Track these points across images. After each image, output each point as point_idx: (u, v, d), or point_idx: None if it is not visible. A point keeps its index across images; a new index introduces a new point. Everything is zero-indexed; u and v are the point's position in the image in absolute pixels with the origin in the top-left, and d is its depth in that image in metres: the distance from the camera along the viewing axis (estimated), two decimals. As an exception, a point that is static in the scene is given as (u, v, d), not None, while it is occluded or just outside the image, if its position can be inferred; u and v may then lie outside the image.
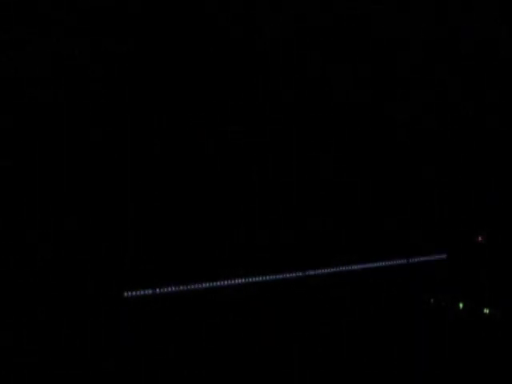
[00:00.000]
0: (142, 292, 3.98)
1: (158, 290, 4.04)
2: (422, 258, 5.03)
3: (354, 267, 4.77)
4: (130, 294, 3.94)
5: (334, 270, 4.72)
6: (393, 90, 4.80)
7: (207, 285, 3.97)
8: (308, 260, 4.61)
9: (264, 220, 4.13)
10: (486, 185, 5.11)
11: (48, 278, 3.62)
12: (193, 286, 3.95)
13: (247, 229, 4.04)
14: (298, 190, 4.49)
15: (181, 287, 3.98)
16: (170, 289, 4.07)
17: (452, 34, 4.90)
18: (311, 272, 4.63)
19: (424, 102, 4.97)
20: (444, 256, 4.79)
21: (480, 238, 4.52)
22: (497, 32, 4.94)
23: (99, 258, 3.82)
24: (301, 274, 4.55)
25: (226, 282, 3.99)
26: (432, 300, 4.38)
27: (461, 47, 4.94)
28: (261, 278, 4.40)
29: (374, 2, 4.58)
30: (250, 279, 4.35)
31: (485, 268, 4.51)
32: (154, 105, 3.92)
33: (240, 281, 4.23)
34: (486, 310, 4.19)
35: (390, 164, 4.85)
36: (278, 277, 4.44)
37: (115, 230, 3.90)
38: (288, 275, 4.51)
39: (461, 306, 4.27)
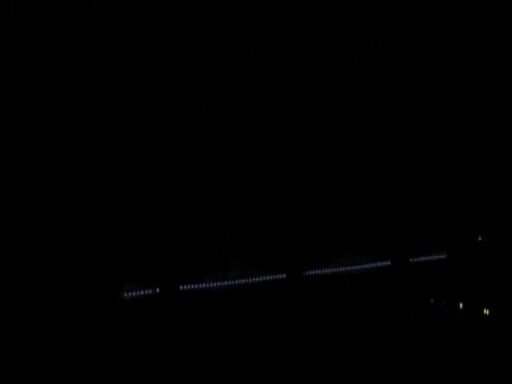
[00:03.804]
0: (142, 292, 3.99)
1: (158, 289, 4.05)
2: (422, 258, 5.03)
3: (354, 267, 4.78)
4: (129, 293, 3.95)
5: (334, 269, 4.72)
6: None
7: (207, 285, 3.98)
8: (308, 260, 4.61)
9: (264, 219, 4.13)
10: (486, 185, 5.11)
11: (48, 278, 3.63)
12: (193, 286, 3.95)
13: (247, 229, 4.04)
14: (297, 190, 4.50)
15: (181, 287, 4.00)
16: (170, 289, 4.08)
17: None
18: (311, 272, 4.64)
19: (425, 102, 4.97)
20: (444, 256, 4.79)
21: (480, 238, 4.52)
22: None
23: (99, 258, 3.83)
24: (301, 273, 4.56)
25: (226, 282, 4.00)
26: (432, 300, 4.38)
27: None
28: (261, 278, 4.41)
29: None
30: (250, 279, 4.36)
31: (485, 268, 4.51)
32: (155, 105, 3.94)
33: (240, 281, 4.23)
34: (486, 310, 4.19)
35: (391, 164, 4.85)
36: (277, 277, 4.45)
37: (115, 230, 3.91)
38: (287, 275, 4.52)
39: (461, 306, 4.27)
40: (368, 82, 4.70)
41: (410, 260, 4.95)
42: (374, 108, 4.78)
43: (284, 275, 4.47)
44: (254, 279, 4.36)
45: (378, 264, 4.87)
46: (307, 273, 4.60)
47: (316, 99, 4.50)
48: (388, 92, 4.81)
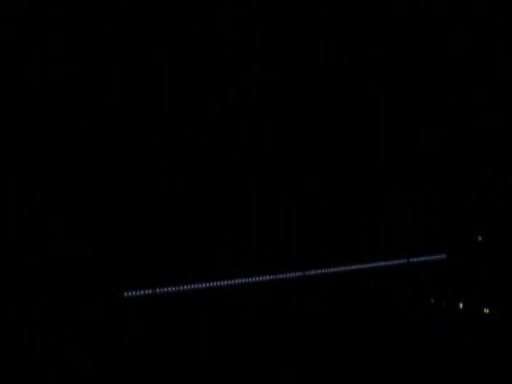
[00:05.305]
0: (142, 292, 3.98)
1: (157, 289, 4.04)
2: (422, 258, 5.03)
3: (354, 267, 4.77)
4: (130, 294, 3.94)
5: (334, 269, 4.71)
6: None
7: (207, 285, 3.97)
8: (308, 260, 4.61)
9: (264, 219, 4.12)
10: (485, 184, 5.11)
11: (48, 278, 3.62)
12: (193, 286, 3.94)
13: (247, 228, 4.03)
14: (297, 189, 4.49)
15: (181, 287, 3.98)
16: (170, 289, 4.07)
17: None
18: (311, 272, 4.63)
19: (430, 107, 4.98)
20: (444, 256, 4.79)
21: (480, 238, 4.52)
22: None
23: (99, 258, 3.81)
24: (301, 273, 4.55)
25: (226, 282, 3.99)
26: (432, 300, 4.38)
27: None
28: (261, 278, 4.40)
29: None
30: (250, 279, 4.35)
31: (485, 268, 4.51)
32: (155, 104, 3.93)
33: (240, 281, 4.22)
34: (486, 310, 4.19)
35: (391, 163, 4.85)
36: (278, 277, 4.44)
37: (115, 230, 3.90)
38: (288, 275, 4.51)
39: (461, 306, 4.27)
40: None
41: (410, 260, 4.95)
42: (372, 107, 4.78)
43: (283, 275, 4.47)
44: (253, 279, 4.36)
45: (378, 264, 4.87)
46: (306, 273, 4.60)
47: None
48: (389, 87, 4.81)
